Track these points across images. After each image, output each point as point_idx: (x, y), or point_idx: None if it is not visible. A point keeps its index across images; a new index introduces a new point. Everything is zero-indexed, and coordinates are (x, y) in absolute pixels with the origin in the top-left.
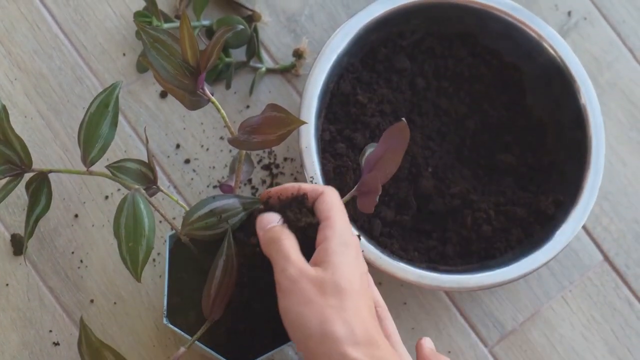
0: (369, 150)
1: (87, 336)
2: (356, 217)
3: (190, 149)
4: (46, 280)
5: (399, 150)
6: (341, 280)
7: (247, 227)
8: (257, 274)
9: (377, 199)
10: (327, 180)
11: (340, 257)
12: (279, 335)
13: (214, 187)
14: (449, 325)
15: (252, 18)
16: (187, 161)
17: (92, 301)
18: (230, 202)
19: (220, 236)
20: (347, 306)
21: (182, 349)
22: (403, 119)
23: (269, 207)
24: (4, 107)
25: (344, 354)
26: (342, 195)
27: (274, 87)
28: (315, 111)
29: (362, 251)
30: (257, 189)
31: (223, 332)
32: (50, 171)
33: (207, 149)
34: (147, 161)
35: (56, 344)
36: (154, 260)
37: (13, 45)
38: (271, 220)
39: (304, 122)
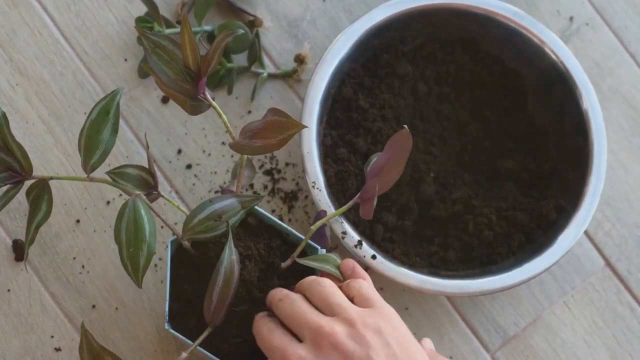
0: (374, 160)
1: (88, 341)
2: (358, 223)
3: (191, 154)
4: (48, 286)
5: (402, 158)
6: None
7: (246, 225)
8: (261, 278)
9: (375, 205)
10: (329, 185)
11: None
12: None
13: (216, 192)
14: (451, 330)
15: (253, 23)
16: (189, 166)
17: (93, 307)
18: (229, 202)
19: (221, 237)
20: None
21: (184, 355)
22: (405, 126)
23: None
24: (4, 114)
25: None
26: (344, 202)
27: (275, 92)
28: (316, 116)
29: (364, 257)
30: (258, 194)
31: (225, 338)
32: (51, 178)
33: (209, 154)
34: (147, 167)
35: (58, 349)
36: (155, 265)
37: (14, 51)
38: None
39: (304, 126)
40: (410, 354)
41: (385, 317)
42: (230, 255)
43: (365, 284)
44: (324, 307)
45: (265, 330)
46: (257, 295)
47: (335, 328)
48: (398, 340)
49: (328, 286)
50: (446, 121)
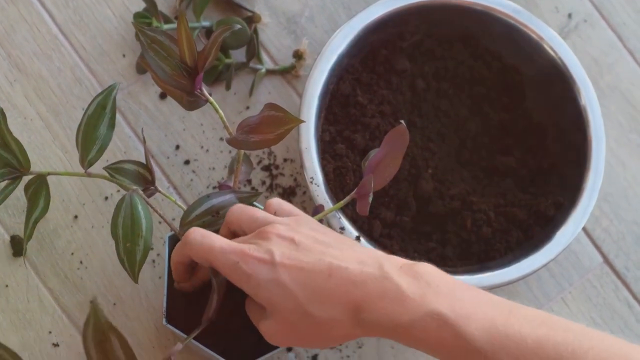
0: (372, 155)
1: (97, 317)
2: (356, 219)
3: (189, 150)
4: (46, 282)
5: (399, 154)
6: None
7: None
8: None
9: (370, 201)
10: (327, 181)
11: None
12: None
13: (214, 187)
14: None
15: (252, 19)
16: (187, 162)
17: (91, 302)
18: (227, 198)
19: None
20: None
21: (179, 345)
22: (402, 121)
23: None
24: (1, 110)
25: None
26: (342, 198)
27: (273, 88)
28: (315, 112)
29: None
30: (256, 190)
31: (223, 333)
32: (49, 174)
33: (207, 150)
34: (145, 162)
35: (56, 345)
36: (153, 261)
37: (12, 47)
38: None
39: (302, 121)
40: (345, 239)
41: (310, 219)
42: (218, 280)
43: (281, 201)
44: (255, 224)
45: (209, 240)
46: None
47: (275, 226)
48: (330, 231)
49: (250, 208)
50: (445, 117)
